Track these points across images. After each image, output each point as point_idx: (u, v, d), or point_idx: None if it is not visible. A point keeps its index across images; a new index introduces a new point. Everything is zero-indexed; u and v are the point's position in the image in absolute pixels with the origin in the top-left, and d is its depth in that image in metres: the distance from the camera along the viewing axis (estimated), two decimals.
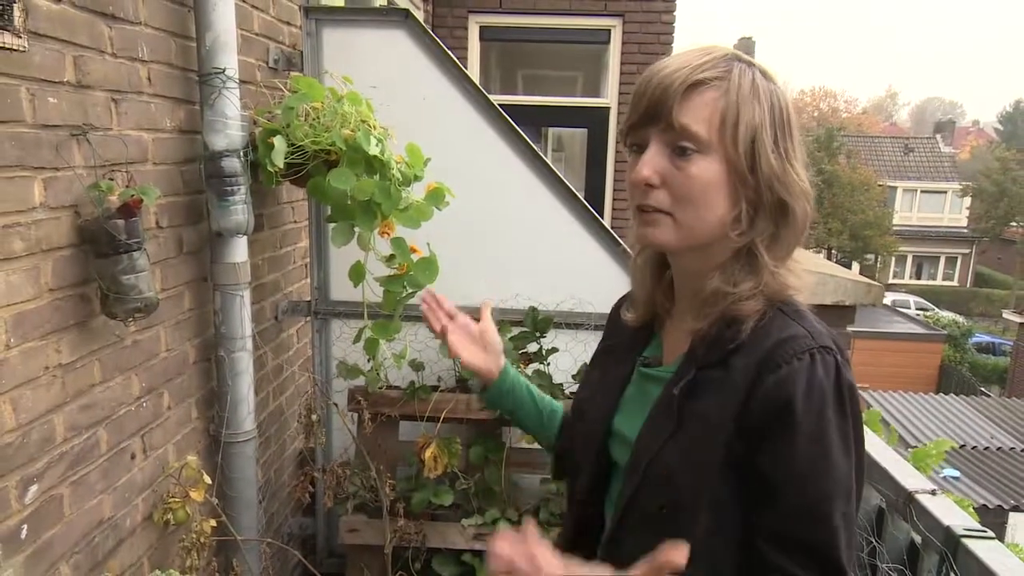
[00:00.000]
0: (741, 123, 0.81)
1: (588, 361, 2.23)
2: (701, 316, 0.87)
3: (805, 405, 0.79)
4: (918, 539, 1.50)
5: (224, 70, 1.71)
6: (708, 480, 0.83)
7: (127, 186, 1.44)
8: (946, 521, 1.41)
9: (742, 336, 0.84)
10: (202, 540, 1.72)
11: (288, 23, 2.36)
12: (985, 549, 1.31)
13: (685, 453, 0.85)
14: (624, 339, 1.05)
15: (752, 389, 0.81)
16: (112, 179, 1.42)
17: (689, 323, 0.90)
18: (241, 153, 1.76)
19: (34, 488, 1.28)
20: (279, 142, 1.78)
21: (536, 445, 2.24)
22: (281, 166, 1.80)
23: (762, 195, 0.84)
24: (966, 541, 1.34)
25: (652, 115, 0.83)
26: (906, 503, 1.54)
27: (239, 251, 1.86)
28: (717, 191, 0.83)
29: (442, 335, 1.18)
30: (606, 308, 2.44)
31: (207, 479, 1.75)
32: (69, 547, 1.39)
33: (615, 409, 1.00)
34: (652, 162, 0.83)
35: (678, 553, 0.68)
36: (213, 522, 1.79)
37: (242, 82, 1.83)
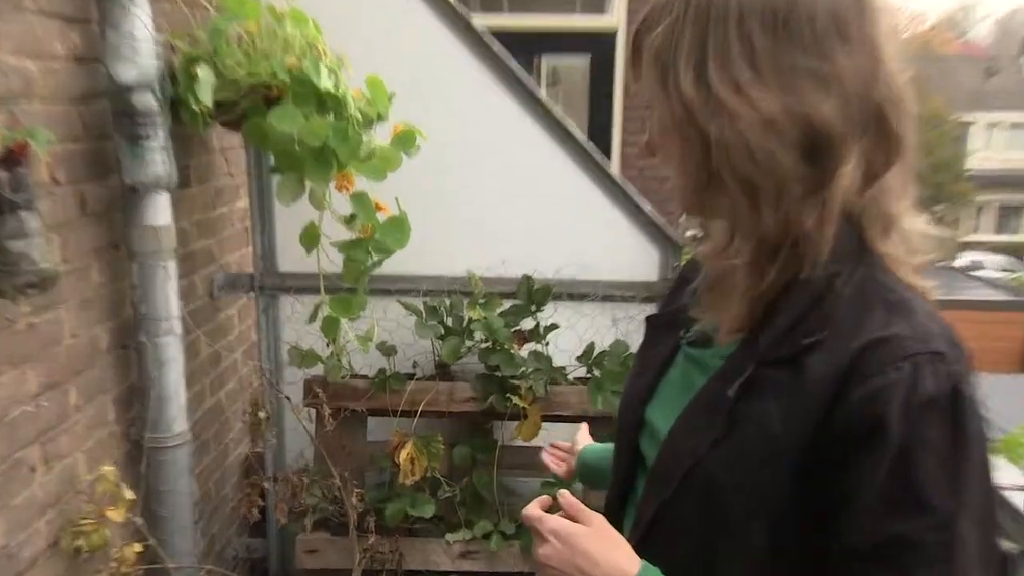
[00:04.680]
0: (681, 48, 0.78)
1: (593, 341, 2.22)
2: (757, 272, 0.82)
3: (900, 428, 0.72)
4: (1013, 548, 1.45)
5: None
6: (766, 498, 0.79)
7: (9, 129, 1.38)
8: None
9: (825, 327, 0.77)
10: (123, 569, 1.70)
11: None
12: None
13: (737, 465, 0.81)
14: (680, 303, 1.00)
15: (834, 403, 0.75)
16: None
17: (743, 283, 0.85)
18: (156, 87, 1.72)
19: None
20: (204, 72, 1.75)
21: (534, 443, 2.21)
22: (209, 103, 1.77)
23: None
24: None
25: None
26: None
27: (160, 212, 1.81)
28: (672, 139, 0.84)
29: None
30: (615, 275, 2.37)
31: (129, 494, 1.72)
32: None
33: (651, 394, 0.97)
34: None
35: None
36: (138, 547, 1.76)
37: None
